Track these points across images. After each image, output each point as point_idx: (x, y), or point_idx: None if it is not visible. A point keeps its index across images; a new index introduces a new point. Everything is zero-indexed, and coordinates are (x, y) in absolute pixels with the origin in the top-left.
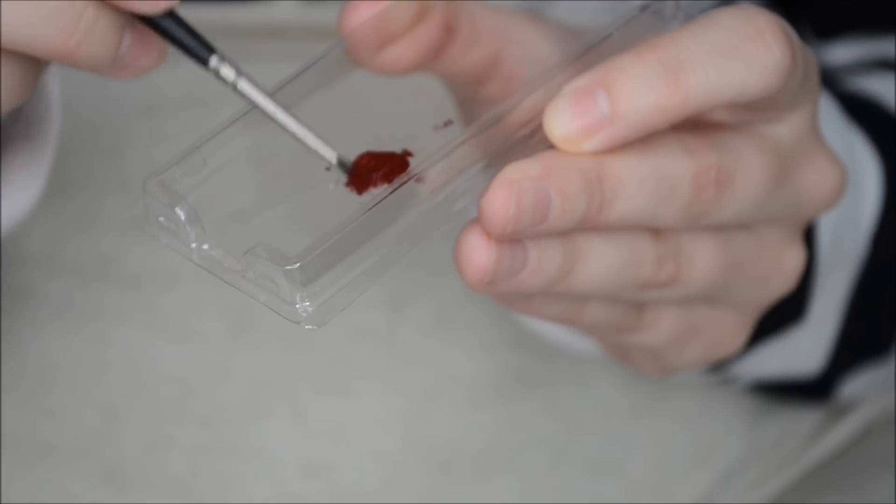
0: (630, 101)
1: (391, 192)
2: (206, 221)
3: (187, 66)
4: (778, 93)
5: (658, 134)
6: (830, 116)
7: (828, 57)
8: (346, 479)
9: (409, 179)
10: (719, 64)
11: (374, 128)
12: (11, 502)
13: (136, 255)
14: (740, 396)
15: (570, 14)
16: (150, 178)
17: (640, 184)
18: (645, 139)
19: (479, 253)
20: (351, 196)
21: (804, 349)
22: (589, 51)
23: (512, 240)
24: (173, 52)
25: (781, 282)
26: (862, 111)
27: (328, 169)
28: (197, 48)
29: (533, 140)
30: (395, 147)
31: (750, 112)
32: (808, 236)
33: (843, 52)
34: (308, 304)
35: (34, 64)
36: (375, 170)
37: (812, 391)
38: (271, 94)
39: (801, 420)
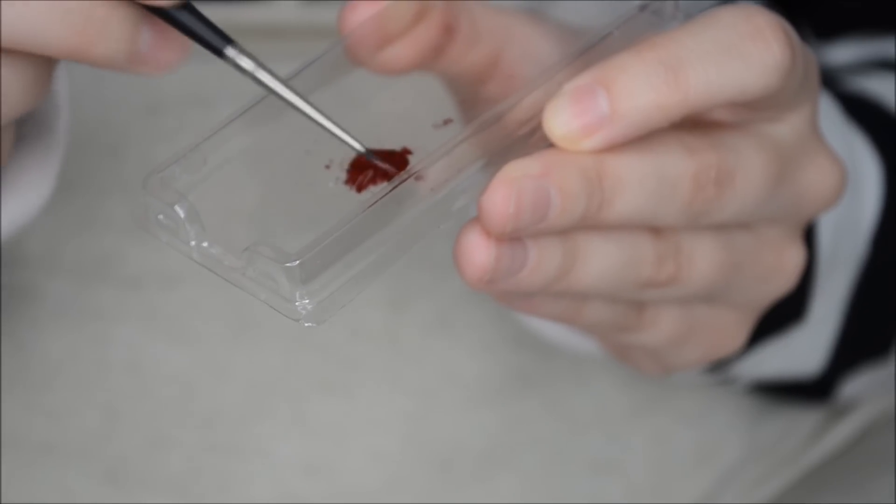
0: (630, 99)
1: (391, 190)
2: (205, 219)
3: (188, 65)
4: (778, 92)
5: (658, 133)
6: (831, 117)
7: (828, 57)
8: (347, 479)
9: (408, 177)
10: (719, 63)
11: (373, 126)
12: (11, 502)
13: (138, 255)
14: (740, 396)
15: (570, 14)
16: (149, 177)
17: (640, 182)
18: (645, 138)
19: (478, 251)
20: (350, 194)
21: (804, 349)
22: (589, 50)
23: (512, 238)
24: None
25: (781, 281)
26: (862, 111)
27: (328, 167)
28: (213, 39)
29: (533, 139)
30: (394, 146)
31: (750, 111)
32: (809, 236)
33: (843, 53)
34: (308, 301)
35: (48, 64)
36: (375, 167)
37: (812, 391)
38: (290, 83)
39: (801, 420)
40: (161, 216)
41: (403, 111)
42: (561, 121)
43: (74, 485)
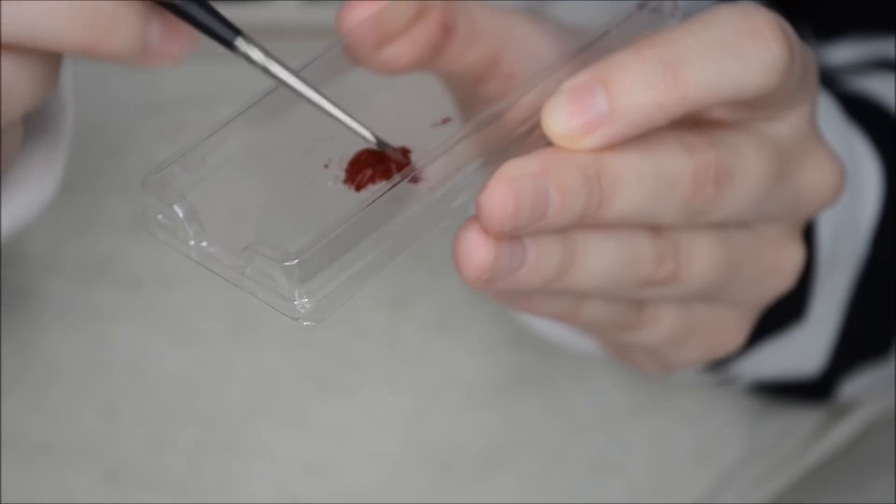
0: (628, 98)
1: (389, 189)
2: (204, 219)
3: (188, 65)
4: (776, 90)
5: (657, 131)
6: (830, 117)
7: (828, 57)
8: (347, 479)
9: (407, 176)
10: (718, 61)
11: (372, 126)
12: (11, 502)
13: (138, 255)
14: (740, 396)
15: (569, 13)
16: (148, 176)
17: (638, 181)
18: (644, 136)
19: (477, 250)
20: (349, 193)
21: (804, 349)
22: (587, 48)
23: (511, 237)
24: None
25: (781, 280)
26: (862, 111)
27: (326, 166)
28: (223, 31)
29: (531, 137)
30: (393, 145)
31: (749, 110)
32: (808, 236)
33: (843, 52)
34: (306, 300)
35: (55, 59)
36: (374, 166)
37: (812, 391)
38: (300, 74)
39: (801, 420)
40: (160, 216)
41: (402, 110)
42: (560, 119)
43: (74, 485)
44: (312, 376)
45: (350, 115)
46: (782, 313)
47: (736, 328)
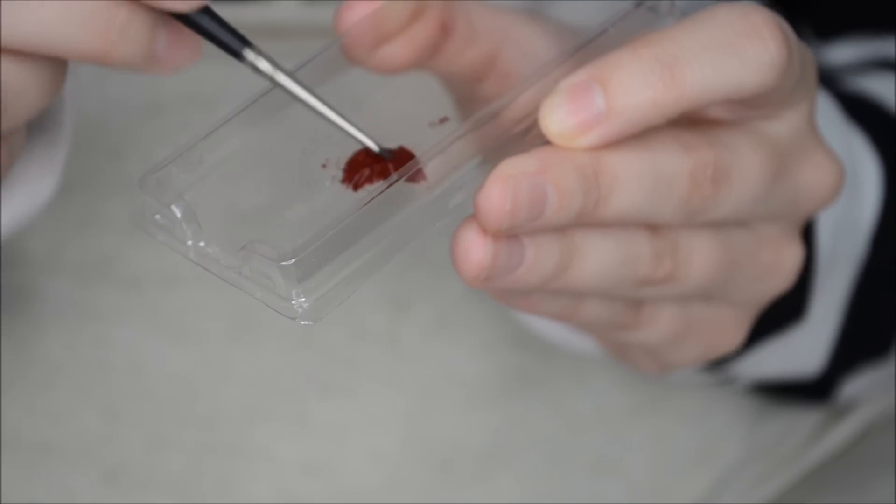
0: (626, 96)
1: (386, 188)
2: (202, 219)
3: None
4: (774, 89)
5: (654, 130)
6: (830, 116)
7: (828, 57)
8: (347, 479)
9: (404, 176)
10: (715, 60)
11: (370, 125)
12: (11, 502)
13: (138, 256)
14: (740, 396)
15: (567, 13)
16: (146, 176)
17: (636, 180)
18: (641, 135)
19: (475, 249)
20: (347, 192)
21: (804, 349)
22: (584, 47)
23: (508, 236)
24: None
25: (780, 279)
26: (862, 111)
27: (324, 166)
28: (232, 42)
29: (529, 136)
30: (391, 144)
31: (747, 108)
32: (808, 236)
33: (843, 52)
34: (304, 300)
35: (62, 64)
36: (371, 166)
37: (812, 391)
38: (308, 85)
39: (801, 420)
40: (158, 216)
41: (400, 110)
42: (557, 118)
43: (74, 485)
44: (312, 376)
45: (358, 128)
46: (782, 313)
47: (735, 328)
